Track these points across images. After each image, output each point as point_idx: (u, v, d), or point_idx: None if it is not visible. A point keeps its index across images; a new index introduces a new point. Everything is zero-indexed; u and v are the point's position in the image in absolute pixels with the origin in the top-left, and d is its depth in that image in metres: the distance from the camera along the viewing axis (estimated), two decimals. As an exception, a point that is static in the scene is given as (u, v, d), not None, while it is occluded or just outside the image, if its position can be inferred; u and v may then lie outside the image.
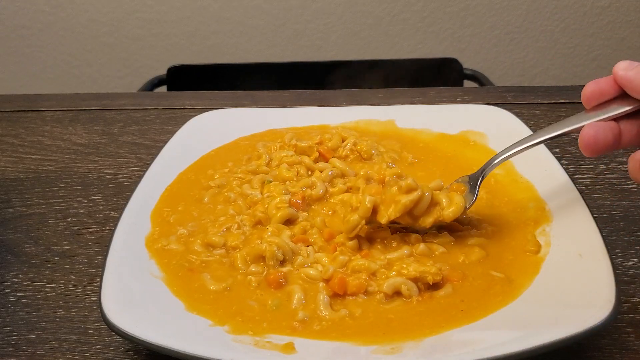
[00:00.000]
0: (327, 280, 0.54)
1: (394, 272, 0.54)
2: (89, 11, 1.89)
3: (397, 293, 0.53)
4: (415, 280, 0.53)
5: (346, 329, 0.49)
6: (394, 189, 0.57)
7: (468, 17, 1.86)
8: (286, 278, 0.55)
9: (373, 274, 0.54)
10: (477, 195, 0.59)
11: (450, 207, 0.57)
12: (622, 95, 0.51)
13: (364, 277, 0.53)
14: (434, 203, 0.57)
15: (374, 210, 0.58)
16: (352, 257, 0.56)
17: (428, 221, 0.57)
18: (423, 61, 1.49)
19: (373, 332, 0.49)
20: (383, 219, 0.57)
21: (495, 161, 0.59)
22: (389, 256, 0.56)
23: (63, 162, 0.83)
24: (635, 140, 0.51)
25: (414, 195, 0.56)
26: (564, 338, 0.43)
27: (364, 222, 0.57)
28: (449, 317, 0.50)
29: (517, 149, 0.58)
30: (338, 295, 0.53)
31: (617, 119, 0.51)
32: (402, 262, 0.55)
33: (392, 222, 0.57)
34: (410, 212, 0.57)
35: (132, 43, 1.93)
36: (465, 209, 0.58)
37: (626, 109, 0.50)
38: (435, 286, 0.53)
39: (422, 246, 0.57)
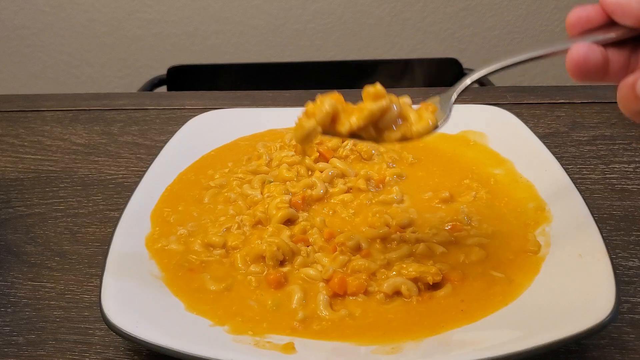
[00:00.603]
0: (327, 281, 0.53)
1: (394, 272, 0.54)
2: (89, 11, 1.89)
3: (397, 293, 0.52)
4: (415, 280, 0.53)
5: (346, 329, 0.49)
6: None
7: (468, 17, 1.86)
8: (286, 278, 0.55)
9: (373, 274, 0.54)
10: (449, 115, 0.52)
11: (419, 123, 0.51)
12: (609, 24, 0.48)
13: (364, 277, 0.53)
14: (402, 118, 0.51)
15: (334, 120, 0.51)
16: (352, 257, 0.56)
17: (394, 136, 0.51)
18: (423, 61, 1.49)
19: (373, 332, 0.49)
20: (344, 127, 0.50)
21: (473, 75, 0.52)
22: (389, 256, 0.56)
23: (63, 162, 0.82)
24: (622, 71, 0.48)
25: (381, 103, 0.50)
26: (564, 338, 0.43)
27: (320, 128, 0.50)
28: (449, 317, 0.50)
29: (497, 65, 0.50)
30: (338, 295, 0.53)
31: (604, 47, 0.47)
32: (402, 262, 0.55)
33: (354, 135, 0.51)
34: (376, 124, 0.51)
35: (132, 43, 1.93)
36: (436, 127, 0.51)
37: (613, 35, 0.47)
38: (435, 286, 0.53)
39: (422, 246, 0.57)
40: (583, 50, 0.46)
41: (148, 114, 0.95)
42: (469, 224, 0.61)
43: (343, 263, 0.55)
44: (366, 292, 0.53)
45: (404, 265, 0.54)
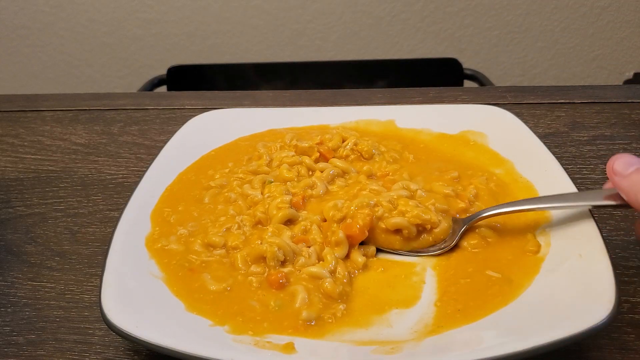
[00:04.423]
0: (339, 221, 0.58)
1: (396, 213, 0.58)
2: (89, 11, 1.89)
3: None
4: (417, 226, 0.57)
5: (346, 329, 0.49)
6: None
7: (468, 17, 1.86)
8: (287, 278, 0.55)
9: (379, 218, 0.58)
10: (455, 243, 0.58)
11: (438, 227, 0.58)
12: None
13: (367, 212, 0.57)
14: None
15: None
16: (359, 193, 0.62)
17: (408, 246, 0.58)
18: (423, 61, 1.49)
19: (373, 332, 0.49)
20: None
21: (485, 214, 0.58)
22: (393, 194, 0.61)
23: (63, 162, 0.83)
24: None
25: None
26: (564, 338, 0.43)
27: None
28: (448, 317, 0.50)
29: (518, 208, 0.58)
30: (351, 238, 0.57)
31: None
32: (406, 205, 0.59)
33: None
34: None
35: (132, 43, 1.93)
36: (443, 246, 0.57)
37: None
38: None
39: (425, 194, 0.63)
40: None
41: (148, 114, 0.95)
42: (474, 202, 0.63)
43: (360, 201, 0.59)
44: (372, 230, 0.57)
45: (408, 209, 0.58)
